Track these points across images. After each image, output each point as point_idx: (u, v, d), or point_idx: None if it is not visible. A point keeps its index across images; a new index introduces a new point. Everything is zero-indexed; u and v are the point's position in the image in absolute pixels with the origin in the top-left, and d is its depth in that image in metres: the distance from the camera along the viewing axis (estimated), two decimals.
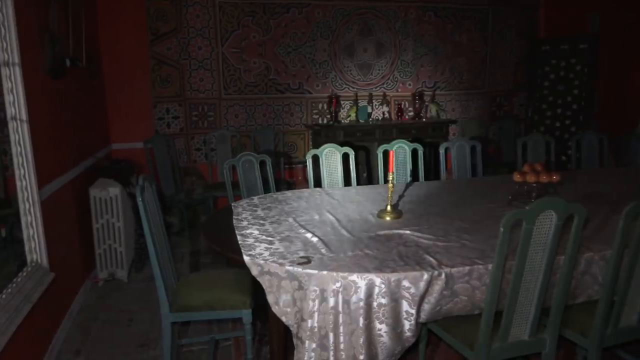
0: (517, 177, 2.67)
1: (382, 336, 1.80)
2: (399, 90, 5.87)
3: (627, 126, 5.21)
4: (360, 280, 1.76)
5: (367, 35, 5.66)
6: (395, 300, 1.79)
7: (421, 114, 5.75)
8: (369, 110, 5.55)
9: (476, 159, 3.76)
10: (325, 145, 3.45)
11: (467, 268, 1.83)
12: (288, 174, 5.61)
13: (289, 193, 3.12)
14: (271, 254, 1.96)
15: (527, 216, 1.65)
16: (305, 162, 3.54)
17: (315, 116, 5.65)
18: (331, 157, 3.44)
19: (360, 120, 5.48)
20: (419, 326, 1.89)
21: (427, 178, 3.60)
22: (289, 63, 5.43)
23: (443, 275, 1.80)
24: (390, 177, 2.46)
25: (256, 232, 2.27)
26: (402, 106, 5.80)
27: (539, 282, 1.79)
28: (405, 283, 1.77)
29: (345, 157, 3.46)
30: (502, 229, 1.63)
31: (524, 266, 1.73)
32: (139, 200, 2.08)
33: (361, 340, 1.77)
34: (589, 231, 2.17)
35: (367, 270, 1.79)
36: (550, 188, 2.72)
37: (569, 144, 4.06)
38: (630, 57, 5.18)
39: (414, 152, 3.57)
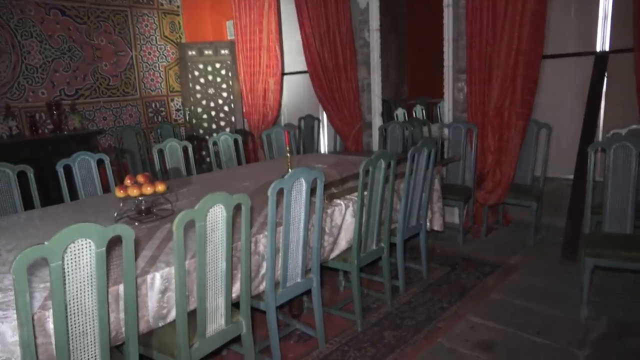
0: (119, 193, 2.40)
1: None
2: (30, 100, 4.94)
3: (269, 124, 5.80)
4: None
5: None
6: None
7: (63, 127, 5.00)
8: None
9: (107, 175, 3.38)
10: None
11: None
12: None
13: None
14: None
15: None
16: None
17: None
18: None
19: None
20: None
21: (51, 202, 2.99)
22: None
23: None
24: None
25: None
26: (37, 119, 4.92)
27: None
28: None
29: None
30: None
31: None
32: None
33: None
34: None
35: None
36: (163, 197, 2.58)
37: (208, 145, 4.12)
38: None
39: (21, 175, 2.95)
